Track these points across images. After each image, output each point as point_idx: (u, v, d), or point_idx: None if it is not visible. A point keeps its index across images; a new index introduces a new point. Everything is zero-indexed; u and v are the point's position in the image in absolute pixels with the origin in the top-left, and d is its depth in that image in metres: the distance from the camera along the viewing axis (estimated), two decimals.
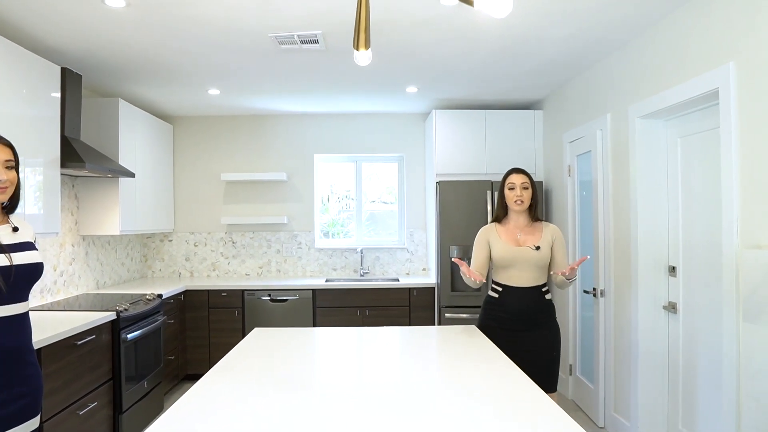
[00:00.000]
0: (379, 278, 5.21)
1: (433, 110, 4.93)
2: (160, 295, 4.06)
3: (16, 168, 1.83)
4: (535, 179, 4.78)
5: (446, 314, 4.58)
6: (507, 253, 2.78)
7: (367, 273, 5.38)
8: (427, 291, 4.80)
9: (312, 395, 1.71)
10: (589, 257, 3.00)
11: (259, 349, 2.40)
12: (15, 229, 1.85)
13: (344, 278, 5.24)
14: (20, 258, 1.78)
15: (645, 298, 3.28)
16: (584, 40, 3.35)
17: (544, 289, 2.82)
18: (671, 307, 3.18)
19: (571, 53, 3.59)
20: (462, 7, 2.81)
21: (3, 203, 1.84)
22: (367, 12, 1.65)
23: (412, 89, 4.48)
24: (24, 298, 1.82)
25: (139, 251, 5.24)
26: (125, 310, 3.47)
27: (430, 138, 5.06)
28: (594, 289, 3.84)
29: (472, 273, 2.65)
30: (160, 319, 3.99)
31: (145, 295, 3.98)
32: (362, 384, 1.84)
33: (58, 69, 3.39)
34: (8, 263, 1.72)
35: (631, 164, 3.33)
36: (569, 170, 4.29)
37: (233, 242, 5.39)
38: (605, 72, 3.70)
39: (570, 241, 4.29)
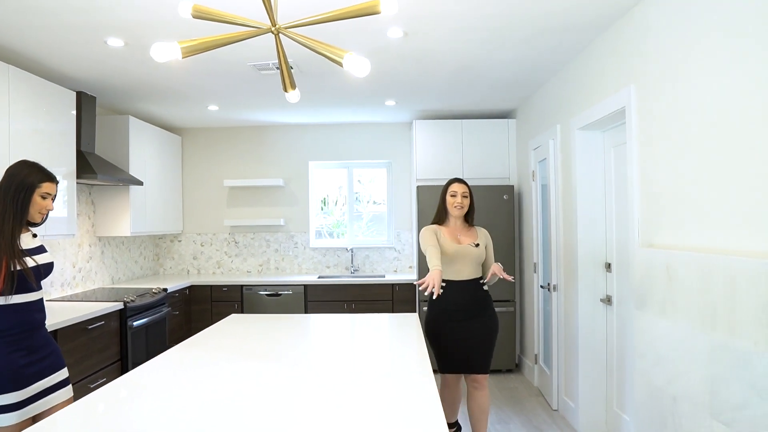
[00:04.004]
0: (368, 275, 5.67)
1: (414, 120, 5.37)
2: (165, 289, 4.61)
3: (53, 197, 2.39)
4: (507, 183, 5.20)
5: (424, 308, 5.00)
6: (452, 250, 3.15)
7: (357, 270, 5.84)
8: (409, 286, 5.24)
9: (249, 363, 2.18)
10: (513, 278, 3.28)
11: (227, 329, 2.89)
12: (34, 236, 2.40)
13: (336, 275, 5.71)
14: (41, 259, 2.33)
15: (585, 292, 3.66)
16: (525, 63, 3.77)
17: (481, 282, 3.22)
18: (607, 300, 3.56)
19: (521, 72, 4.00)
20: (409, 37, 3.25)
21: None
22: (286, 62, 2.11)
23: (390, 102, 4.93)
24: (42, 287, 2.38)
25: (151, 250, 5.82)
26: (132, 300, 4.01)
27: (413, 146, 5.50)
28: (548, 284, 4.23)
29: (434, 281, 2.67)
30: (165, 310, 4.52)
31: (152, 288, 4.52)
32: (286, 356, 2.30)
33: (73, 94, 3.95)
34: (35, 264, 2.26)
35: (573, 170, 3.71)
36: (533, 175, 4.68)
37: (236, 242, 5.93)
38: (555, 88, 4.09)
39: (534, 240, 4.67)
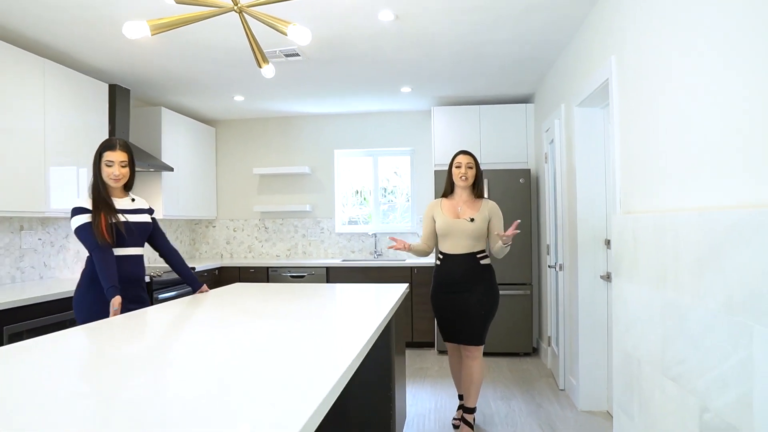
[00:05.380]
0: (391, 259, 5.81)
1: (433, 107, 5.47)
2: (193, 268, 4.93)
3: (130, 165, 2.69)
4: (525, 167, 5.22)
5: None
6: (445, 225, 3.27)
7: (380, 255, 6.00)
8: (427, 269, 5.34)
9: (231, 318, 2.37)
10: (520, 221, 3.39)
11: (226, 294, 3.12)
12: (132, 200, 2.76)
13: (359, 259, 5.89)
14: (134, 218, 2.68)
15: (585, 269, 3.67)
16: (524, 43, 3.81)
17: (479, 256, 3.29)
18: (607, 277, 3.55)
19: (522, 53, 4.04)
20: (401, 20, 3.38)
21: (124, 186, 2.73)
22: (254, 38, 2.29)
23: (406, 89, 5.06)
24: (140, 245, 2.72)
25: (187, 235, 6.20)
26: (158, 275, 4.33)
27: (432, 132, 5.60)
28: (555, 263, 4.24)
29: (399, 242, 3.15)
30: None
31: None
32: (266, 310, 2.48)
33: (106, 86, 4.32)
34: (125, 220, 2.63)
35: (573, 148, 3.72)
36: (546, 157, 4.68)
37: (266, 228, 6.22)
38: (561, 67, 4.10)
39: (551, 223, 4.68)
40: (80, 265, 4.39)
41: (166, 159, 5.13)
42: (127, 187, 2.76)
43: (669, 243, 2.07)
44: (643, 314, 2.34)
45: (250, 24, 2.21)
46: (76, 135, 3.96)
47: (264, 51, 3.86)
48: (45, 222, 4.05)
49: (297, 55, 3.94)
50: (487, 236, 3.32)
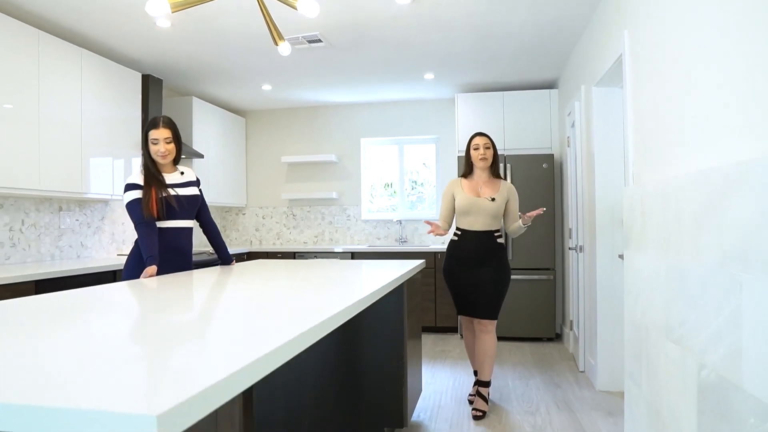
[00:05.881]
0: (416, 246, 5.88)
1: (456, 94, 5.52)
2: None
3: (175, 140, 2.80)
4: (549, 153, 5.22)
5: None
6: (466, 202, 3.36)
7: (406, 242, 6.08)
8: None
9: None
10: (545, 209, 3.48)
11: (251, 266, 3.25)
12: (182, 173, 2.88)
13: (385, 245, 5.98)
14: (184, 191, 2.81)
15: (603, 250, 3.67)
16: (544, 24, 3.83)
17: (496, 234, 3.36)
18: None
19: (542, 35, 4.05)
20: (417, 3, 3.45)
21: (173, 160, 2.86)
22: (268, 14, 2.40)
23: (429, 76, 5.12)
24: (190, 217, 2.84)
25: (219, 222, 6.40)
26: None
27: (456, 119, 5.64)
28: (576, 245, 4.23)
29: (436, 227, 3.27)
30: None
31: (208, 250, 5.03)
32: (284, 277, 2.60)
33: (139, 75, 4.52)
34: (176, 194, 2.75)
35: (591, 128, 3.72)
36: (568, 141, 4.68)
37: (294, 215, 6.37)
38: (582, 50, 4.10)
39: (573, 207, 4.67)
40: (115, 246, 4.62)
41: (196, 148, 5.32)
42: (176, 162, 2.87)
43: (672, 207, 2.09)
44: (651, 281, 2.35)
45: (265, 1, 2.31)
46: (112, 125, 4.17)
47: (286, 37, 3.99)
48: (82, 204, 4.27)
49: (319, 41, 4.06)
50: (504, 216, 3.39)
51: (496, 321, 3.35)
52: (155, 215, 2.65)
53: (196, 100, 5.34)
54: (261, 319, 1.38)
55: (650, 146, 2.53)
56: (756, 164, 1.47)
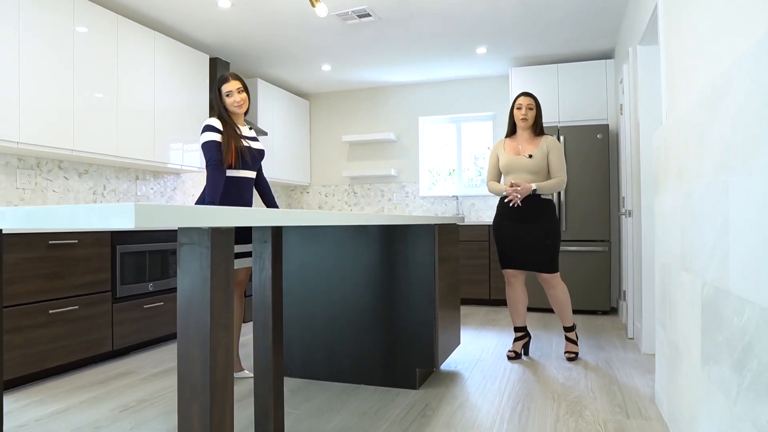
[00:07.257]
0: (472, 220, 5.96)
1: (511, 68, 5.55)
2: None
3: (246, 90, 3.05)
4: (604, 123, 5.15)
5: None
6: (506, 162, 3.50)
7: (463, 217, 6.16)
8: None
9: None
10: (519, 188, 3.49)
11: None
12: (251, 128, 3.17)
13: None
14: (256, 145, 3.08)
15: (647, 211, 3.61)
16: None
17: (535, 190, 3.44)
18: None
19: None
20: None
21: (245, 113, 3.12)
22: None
23: (481, 50, 5.20)
24: (256, 169, 3.06)
25: (284, 201, 6.77)
26: None
27: (510, 94, 5.67)
28: (626, 210, 4.18)
29: (510, 191, 3.41)
30: None
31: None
32: None
33: (207, 58, 4.92)
34: (248, 146, 2.99)
35: (638, 90, 3.68)
36: (621, 109, 4.61)
37: (354, 192, 6.63)
38: (631, 12, 4.05)
39: (629, 176, 4.59)
40: None
41: (261, 126, 5.69)
42: (246, 114, 3.10)
43: (683, 137, 2.11)
44: (670, 216, 2.36)
45: None
46: (181, 107, 4.58)
47: (336, 12, 4.22)
48: (156, 174, 4.72)
49: (368, 15, 4.26)
50: (548, 171, 3.46)
51: (558, 273, 3.47)
52: (232, 163, 2.85)
53: (261, 82, 5.71)
54: None
55: (678, 96, 2.52)
56: (737, 65, 1.50)
